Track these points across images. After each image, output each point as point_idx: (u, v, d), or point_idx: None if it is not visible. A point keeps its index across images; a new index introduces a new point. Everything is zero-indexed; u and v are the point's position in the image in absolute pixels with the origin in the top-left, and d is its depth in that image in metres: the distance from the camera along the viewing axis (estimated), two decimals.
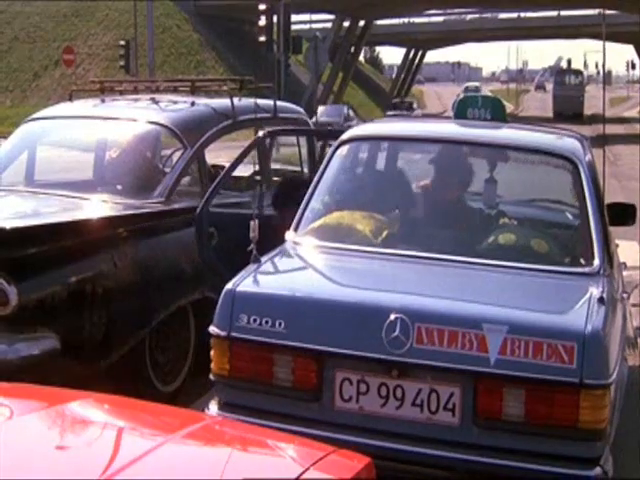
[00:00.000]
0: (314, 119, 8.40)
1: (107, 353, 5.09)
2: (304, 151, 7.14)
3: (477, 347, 3.55)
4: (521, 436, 3.58)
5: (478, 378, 3.59)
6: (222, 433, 2.67)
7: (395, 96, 68.43)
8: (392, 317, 3.61)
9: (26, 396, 3.18)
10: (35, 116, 7.04)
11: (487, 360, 3.54)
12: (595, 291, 3.85)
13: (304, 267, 4.42)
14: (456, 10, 70.75)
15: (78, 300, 4.93)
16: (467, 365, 3.57)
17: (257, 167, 6.21)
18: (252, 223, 4.04)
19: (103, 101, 6.90)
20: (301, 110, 7.72)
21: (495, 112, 5.23)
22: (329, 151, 4.96)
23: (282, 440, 2.53)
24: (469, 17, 75.61)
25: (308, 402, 3.78)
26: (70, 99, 7.24)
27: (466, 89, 53.73)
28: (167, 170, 6.09)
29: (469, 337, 3.56)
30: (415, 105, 44.45)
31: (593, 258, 4.18)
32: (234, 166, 5.03)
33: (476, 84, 54.18)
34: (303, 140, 7.14)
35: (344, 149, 4.95)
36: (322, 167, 4.85)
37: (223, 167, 8.02)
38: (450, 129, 5.31)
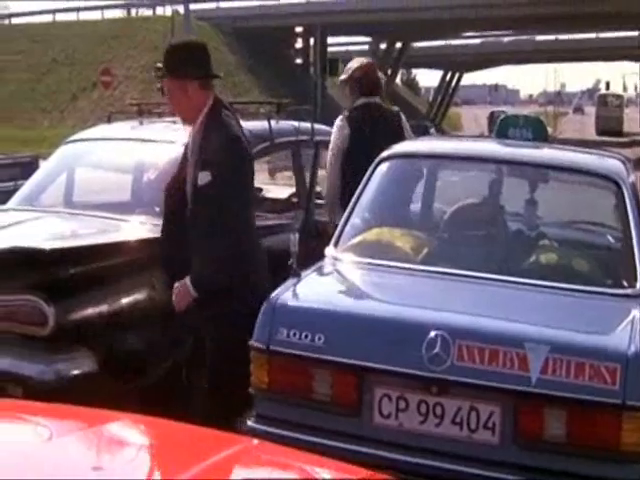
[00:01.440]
0: None
1: (144, 374, 5.08)
2: None
3: (518, 366, 3.52)
4: (562, 457, 3.53)
5: (519, 397, 3.55)
6: (258, 457, 2.64)
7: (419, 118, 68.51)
8: (432, 334, 3.59)
9: (65, 417, 3.17)
10: (74, 138, 7.08)
11: (528, 379, 3.51)
12: (638, 313, 3.81)
13: (344, 282, 4.43)
14: (493, 32, 70.71)
15: (115, 321, 4.93)
16: (508, 384, 3.53)
17: (302, 185, 6.31)
18: (292, 237, 4.04)
19: (141, 123, 6.92)
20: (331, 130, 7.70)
21: (536, 132, 5.19)
22: (370, 168, 4.95)
23: (319, 465, 2.50)
24: (506, 39, 75.55)
25: (347, 417, 3.77)
26: (109, 121, 7.27)
27: (491, 115, 53.23)
28: None
29: (510, 356, 3.53)
30: (432, 130, 44.34)
31: (636, 280, 4.14)
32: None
33: (503, 109, 53.95)
34: None
35: (384, 166, 4.95)
36: (363, 183, 4.85)
37: (260, 189, 8.03)
38: (491, 148, 5.29)
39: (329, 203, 6.18)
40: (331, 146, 6.21)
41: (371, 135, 5.98)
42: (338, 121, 6.28)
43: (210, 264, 4.44)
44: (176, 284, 4.55)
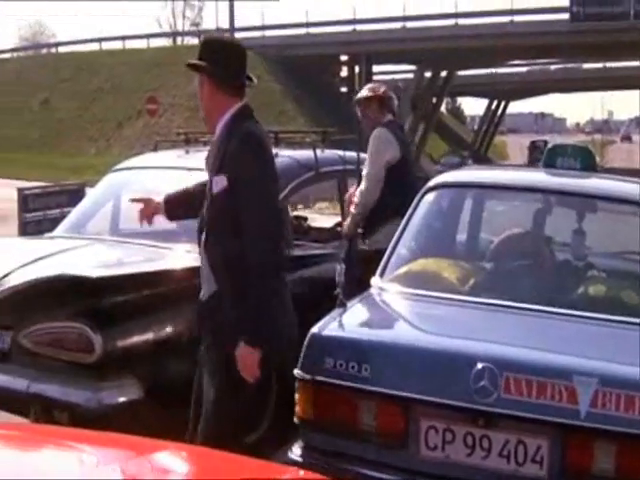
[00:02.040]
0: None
1: (189, 402, 5.08)
2: None
3: (567, 399, 3.48)
4: None
5: (567, 431, 3.50)
6: None
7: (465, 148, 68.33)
8: (479, 366, 3.56)
9: (111, 445, 3.18)
10: (121, 166, 7.14)
11: (577, 413, 3.46)
12: None
13: (390, 313, 4.40)
14: (540, 60, 70.43)
15: (161, 349, 4.95)
16: (556, 417, 3.49)
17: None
18: (338, 267, 4.04)
19: (187, 152, 6.97)
20: None
21: (585, 161, 5.15)
22: (416, 197, 4.94)
23: None
24: (553, 67, 75.19)
25: (393, 449, 3.74)
26: (155, 149, 7.33)
27: (532, 144, 52.71)
28: None
29: (558, 388, 3.48)
30: (470, 161, 44.41)
31: None
32: None
33: (545, 138, 53.55)
34: None
35: (431, 196, 4.93)
36: (409, 213, 4.84)
37: (306, 218, 8.03)
38: (539, 178, 5.24)
39: (360, 214, 6.18)
40: (377, 159, 6.23)
41: (409, 149, 6.14)
42: (383, 134, 6.31)
43: (251, 306, 3.84)
44: (238, 351, 3.87)
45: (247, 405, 4.04)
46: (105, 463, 2.74)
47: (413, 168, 5.96)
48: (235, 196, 3.88)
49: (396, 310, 4.39)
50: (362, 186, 6.17)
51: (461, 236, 5.15)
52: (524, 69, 74.83)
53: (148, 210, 4.53)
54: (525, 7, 49.05)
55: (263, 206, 3.88)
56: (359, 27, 52.77)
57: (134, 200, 4.63)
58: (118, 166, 7.17)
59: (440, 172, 5.81)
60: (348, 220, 6.22)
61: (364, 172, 6.18)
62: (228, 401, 3.96)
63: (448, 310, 4.29)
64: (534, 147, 50.67)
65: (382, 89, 6.64)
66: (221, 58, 3.94)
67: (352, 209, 6.21)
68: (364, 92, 6.63)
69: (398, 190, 5.98)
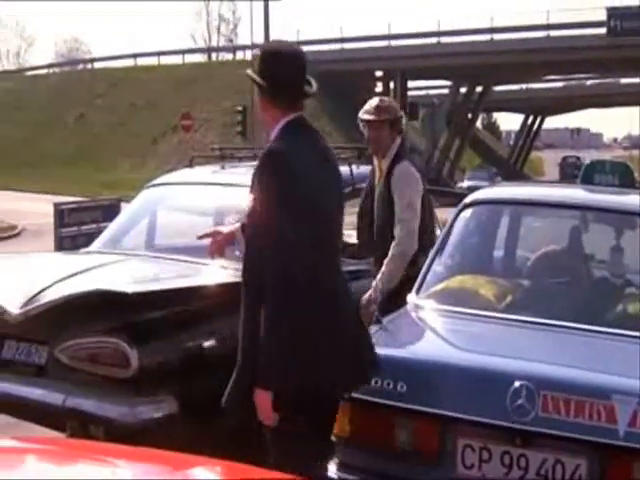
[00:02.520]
0: (459, 184, 8.47)
1: (225, 418, 5.08)
2: None
3: (605, 418, 3.44)
4: None
5: (606, 450, 3.46)
6: None
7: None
8: (517, 384, 3.53)
9: (146, 460, 3.18)
10: (156, 182, 7.16)
11: (616, 432, 3.42)
12: None
13: (426, 330, 4.38)
14: (576, 75, 70.12)
15: (197, 364, 4.95)
16: (594, 436, 3.45)
17: None
18: (374, 283, 4.02)
19: (223, 167, 6.98)
20: None
21: (623, 178, 5.11)
22: (453, 214, 4.91)
23: None
24: (589, 82, 74.83)
25: (429, 467, 3.72)
26: (191, 165, 7.35)
27: (564, 160, 51.97)
28: None
29: (597, 407, 3.45)
30: (498, 178, 43.83)
31: None
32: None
33: (577, 154, 52.86)
34: None
35: (467, 212, 4.91)
36: (445, 230, 4.82)
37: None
38: (576, 194, 5.20)
39: (410, 249, 5.51)
40: (414, 201, 5.60)
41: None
42: (412, 171, 5.71)
43: (276, 354, 3.51)
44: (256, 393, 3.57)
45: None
46: (141, 478, 2.74)
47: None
48: (251, 217, 3.64)
49: (432, 327, 4.37)
50: (400, 232, 5.45)
51: (498, 253, 5.11)
52: (560, 84, 74.55)
53: (219, 242, 4.27)
54: (561, 22, 48.78)
55: (273, 234, 3.49)
56: (394, 42, 52.81)
57: (202, 237, 4.43)
58: (154, 182, 7.19)
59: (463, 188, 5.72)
60: (383, 274, 5.31)
61: (398, 216, 5.53)
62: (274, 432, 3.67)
63: (485, 327, 4.27)
64: (566, 163, 50.26)
65: (395, 110, 5.87)
66: (272, 71, 3.67)
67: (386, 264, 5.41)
68: (373, 112, 5.77)
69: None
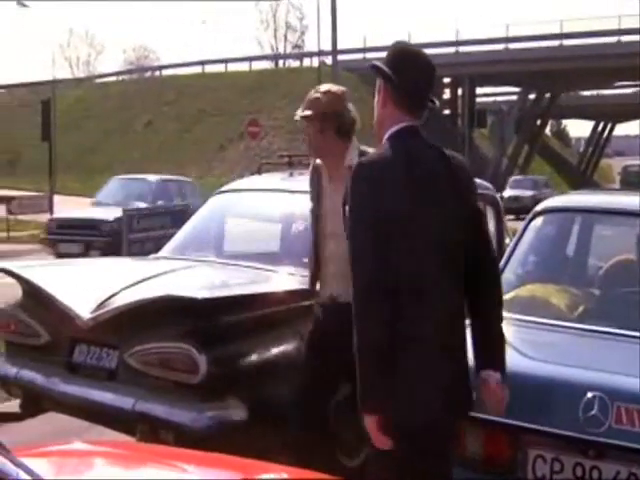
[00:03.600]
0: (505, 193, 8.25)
1: (292, 425, 5.08)
2: (492, 225, 7.01)
3: None
4: None
5: None
6: None
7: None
8: (590, 395, 3.48)
9: (217, 465, 3.19)
10: (225, 188, 7.21)
11: None
12: None
13: None
14: None
15: (265, 371, 4.96)
16: None
17: None
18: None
19: (291, 174, 7.00)
20: (489, 185, 7.61)
21: None
22: (523, 222, 4.87)
23: None
24: None
25: (499, 477, 3.68)
26: (259, 172, 7.39)
27: (625, 169, 50.72)
28: None
29: None
30: (547, 190, 41.27)
31: None
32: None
33: (638, 163, 51.65)
34: (490, 214, 7.02)
35: (538, 221, 4.86)
36: (515, 238, 4.78)
37: None
38: None
39: None
40: None
41: None
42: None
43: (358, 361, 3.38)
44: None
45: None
46: None
47: None
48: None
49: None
50: None
51: (569, 261, 5.05)
52: (631, 90, 73.45)
53: None
54: (633, 27, 48.08)
55: (350, 246, 3.39)
56: (462, 49, 52.59)
57: None
58: (223, 188, 7.24)
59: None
60: None
61: None
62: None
63: (556, 337, 4.21)
64: (627, 171, 49.27)
65: (323, 105, 4.78)
66: (404, 68, 3.49)
67: None
68: (303, 105, 4.90)
69: None
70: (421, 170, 3.41)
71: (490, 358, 3.47)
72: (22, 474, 1.97)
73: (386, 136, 3.50)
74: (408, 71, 3.49)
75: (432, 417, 3.35)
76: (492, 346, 3.48)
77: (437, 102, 3.72)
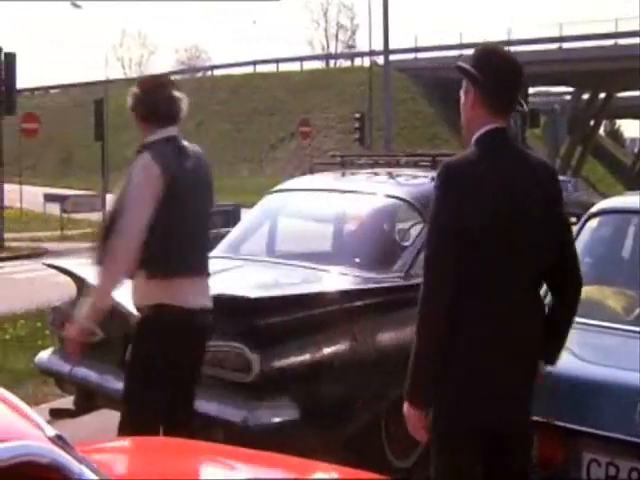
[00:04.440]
0: None
1: (343, 425, 5.08)
2: None
3: None
4: None
5: None
6: None
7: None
8: None
9: (268, 464, 3.20)
10: (278, 188, 7.23)
11: None
12: None
13: None
14: None
15: (317, 371, 4.96)
16: None
17: None
18: None
19: (343, 174, 7.00)
20: None
21: None
22: (579, 224, 4.81)
23: None
24: None
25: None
26: (311, 172, 7.40)
27: None
28: (405, 244, 6.05)
29: None
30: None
31: None
32: None
33: None
34: None
35: (594, 222, 4.80)
36: None
37: None
38: None
39: None
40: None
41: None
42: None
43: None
44: None
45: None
46: None
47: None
48: None
49: None
50: None
51: (625, 263, 4.98)
52: None
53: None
54: None
55: (427, 247, 3.39)
56: (514, 48, 52.19)
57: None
58: (275, 188, 7.26)
59: None
60: None
61: None
62: None
63: (613, 340, 4.16)
64: None
65: (135, 95, 4.54)
66: (493, 69, 3.43)
67: None
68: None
69: None
70: (508, 174, 3.36)
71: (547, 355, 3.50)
72: (86, 471, 1.99)
73: (474, 138, 3.44)
74: (495, 72, 3.43)
75: (498, 417, 3.34)
76: (554, 348, 3.50)
77: (525, 105, 3.68)
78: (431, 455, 3.45)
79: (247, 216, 7.37)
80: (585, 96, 56.44)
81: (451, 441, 3.35)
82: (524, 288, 3.34)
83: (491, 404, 3.30)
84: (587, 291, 4.43)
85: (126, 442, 3.67)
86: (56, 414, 5.78)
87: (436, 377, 3.33)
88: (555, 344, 3.51)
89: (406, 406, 3.36)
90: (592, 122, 60.05)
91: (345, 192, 6.63)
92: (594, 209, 4.84)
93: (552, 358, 3.51)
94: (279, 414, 4.76)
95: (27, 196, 34.06)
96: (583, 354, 4.19)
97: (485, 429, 3.33)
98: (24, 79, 70.49)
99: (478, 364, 3.28)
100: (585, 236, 4.73)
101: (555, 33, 52.35)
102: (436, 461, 3.40)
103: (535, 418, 3.58)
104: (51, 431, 2.01)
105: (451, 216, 3.28)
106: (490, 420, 3.32)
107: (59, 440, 2.00)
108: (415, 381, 3.32)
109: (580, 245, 4.68)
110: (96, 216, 23.49)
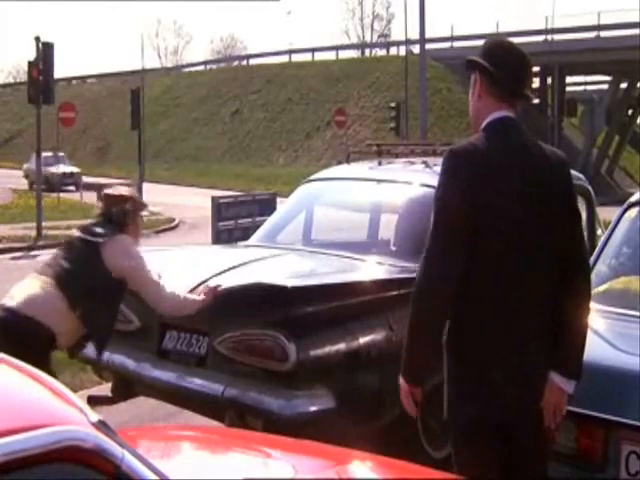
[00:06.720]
0: None
1: (379, 415, 5.08)
2: (584, 216, 6.90)
3: None
4: None
5: None
6: None
7: None
8: None
9: (306, 452, 3.22)
10: (314, 177, 7.23)
11: None
12: None
13: (589, 332, 4.24)
14: None
15: (353, 360, 4.96)
16: None
17: None
18: None
19: (380, 163, 6.99)
20: (581, 176, 7.49)
21: None
22: (617, 213, 4.78)
23: None
24: None
25: (591, 472, 3.62)
26: (347, 161, 7.39)
27: None
28: None
29: None
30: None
31: None
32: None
33: None
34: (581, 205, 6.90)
35: (633, 212, 4.76)
36: (609, 230, 4.69)
37: None
38: None
39: None
40: None
41: None
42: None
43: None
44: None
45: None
46: (302, 472, 2.78)
47: None
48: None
49: (595, 329, 4.23)
50: None
51: None
52: None
53: None
54: None
55: (432, 234, 3.37)
56: (552, 37, 51.83)
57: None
58: (311, 177, 7.27)
59: None
60: None
61: None
62: None
63: None
64: None
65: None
66: (499, 59, 3.46)
67: None
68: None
69: None
70: (516, 159, 3.34)
71: (560, 361, 3.38)
72: (128, 455, 2.01)
73: (482, 126, 3.45)
74: (503, 61, 3.45)
75: (509, 407, 3.35)
76: (565, 348, 3.38)
77: (532, 96, 3.68)
78: (449, 440, 3.54)
79: (283, 205, 7.38)
80: (623, 85, 55.86)
81: (467, 427, 3.41)
82: (535, 271, 3.31)
83: (505, 391, 3.31)
84: (626, 282, 4.42)
85: (163, 430, 3.70)
86: (94, 401, 5.82)
87: (448, 363, 3.45)
88: (565, 348, 3.39)
89: (401, 380, 3.52)
90: (630, 111, 59.50)
91: (381, 181, 6.63)
92: (633, 199, 4.80)
93: (564, 366, 3.38)
94: (316, 403, 4.76)
95: None
96: (622, 345, 4.17)
97: (499, 415, 3.35)
98: (61, 69, 71.10)
99: (492, 351, 3.31)
100: (623, 226, 4.70)
101: (593, 21, 51.82)
102: (454, 445, 3.49)
103: (573, 409, 3.57)
104: (94, 416, 2.04)
105: (458, 198, 3.26)
106: (504, 406, 3.33)
107: (102, 425, 2.02)
108: (410, 358, 3.49)
109: (618, 235, 4.66)
110: None
